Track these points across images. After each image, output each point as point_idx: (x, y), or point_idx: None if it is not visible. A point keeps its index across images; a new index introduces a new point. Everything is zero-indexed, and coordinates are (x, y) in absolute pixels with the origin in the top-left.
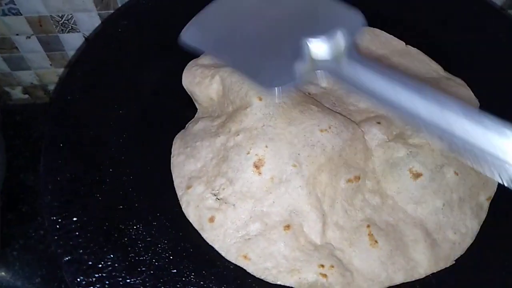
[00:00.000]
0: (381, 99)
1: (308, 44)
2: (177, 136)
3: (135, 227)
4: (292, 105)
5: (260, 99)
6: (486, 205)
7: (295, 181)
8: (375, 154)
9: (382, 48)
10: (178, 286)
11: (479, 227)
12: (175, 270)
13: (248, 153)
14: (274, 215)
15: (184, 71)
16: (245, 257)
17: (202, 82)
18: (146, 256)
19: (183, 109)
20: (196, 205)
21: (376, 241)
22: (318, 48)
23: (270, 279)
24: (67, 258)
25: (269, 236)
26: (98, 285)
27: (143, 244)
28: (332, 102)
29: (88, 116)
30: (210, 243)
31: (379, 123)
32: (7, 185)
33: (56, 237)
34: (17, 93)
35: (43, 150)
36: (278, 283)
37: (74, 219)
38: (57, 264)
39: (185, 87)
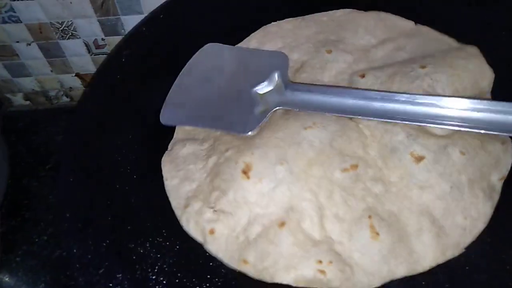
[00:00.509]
0: (321, 109)
1: (257, 91)
2: (163, 158)
3: (142, 245)
4: (278, 116)
5: None
6: (499, 186)
7: (285, 178)
8: (374, 140)
9: (386, 32)
10: None
11: (492, 211)
12: (178, 282)
13: (237, 162)
14: (271, 215)
15: None
16: (245, 261)
17: None
18: (152, 272)
19: None
20: (195, 221)
21: (377, 233)
22: (265, 90)
23: (267, 278)
24: (80, 279)
25: (266, 236)
26: None
27: (150, 261)
28: None
29: (98, 144)
30: (214, 254)
31: None
32: (9, 191)
33: (73, 261)
34: (18, 99)
35: (59, 178)
36: (275, 281)
37: (89, 242)
38: (60, 270)
39: None
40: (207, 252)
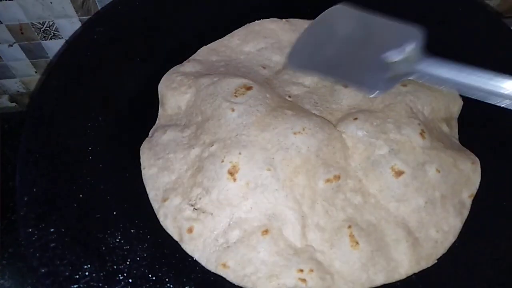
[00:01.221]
0: (450, 84)
1: (386, 57)
2: (143, 145)
3: (113, 235)
4: (265, 112)
5: (233, 110)
6: (468, 202)
7: (271, 185)
8: (356, 151)
9: None
10: None
11: (462, 225)
12: (154, 278)
13: (222, 161)
14: (252, 221)
15: (165, 75)
16: (224, 265)
17: (177, 89)
18: (124, 264)
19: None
20: (173, 217)
21: (357, 242)
22: (395, 59)
23: (249, 285)
24: (43, 270)
25: (248, 242)
26: None
27: (121, 253)
28: (314, 102)
29: (64, 125)
30: (190, 254)
31: (356, 119)
32: None
33: (32, 250)
34: (4, 101)
35: (18, 161)
36: None
37: (51, 230)
38: None
39: (159, 89)
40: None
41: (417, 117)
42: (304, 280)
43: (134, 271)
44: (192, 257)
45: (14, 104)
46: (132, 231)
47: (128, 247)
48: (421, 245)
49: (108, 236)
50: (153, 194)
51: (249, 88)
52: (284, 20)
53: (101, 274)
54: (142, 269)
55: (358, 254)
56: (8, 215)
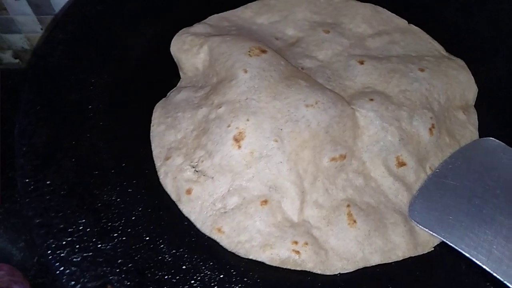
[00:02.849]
0: None
1: None
2: (158, 104)
3: (109, 193)
4: (279, 79)
5: (246, 72)
6: None
7: (276, 156)
8: (366, 132)
9: (382, 25)
10: (149, 253)
11: None
12: (147, 238)
13: (229, 126)
14: (252, 190)
15: (175, 37)
16: (219, 230)
17: (190, 50)
18: (119, 222)
19: (168, 78)
20: (174, 177)
21: (354, 221)
22: None
23: (242, 252)
24: (37, 221)
25: (245, 210)
26: (68, 249)
27: (116, 211)
28: (327, 76)
29: (69, 79)
30: (186, 215)
31: (372, 100)
32: None
33: (28, 200)
34: (7, 57)
35: (19, 112)
36: (250, 257)
37: (48, 182)
38: None
39: (172, 53)
40: (180, 210)
41: (432, 108)
42: (297, 252)
43: (128, 230)
44: (186, 221)
45: (17, 60)
46: (129, 190)
47: (123, 205)
48: (417, 233)
49: (105, 194)
50: (157, 151)
51: (263, 51)
52: None
53: (95, 229)
54: (137, 229)
55: (354, 232)
56: (6, 171)
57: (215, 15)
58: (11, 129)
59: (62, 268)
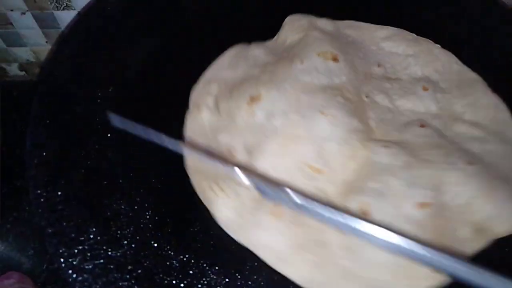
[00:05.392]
0: None
1: None
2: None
3: (118, 202)
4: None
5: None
6: None
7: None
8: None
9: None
10: (158, 259)
11: None
12: (156, 244)
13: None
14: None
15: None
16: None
17: (298, 30)
18: (127, 230)
19: (173, 90)
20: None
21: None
22: None
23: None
24: (50, 231)
25: None
26: (79, 257)
27: (125, 219)
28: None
29: (76, 92)
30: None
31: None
32: (2, 160)
33: (40, 210)
34: (13, 69)
35: (30, 125)
36: None
37: (59, 193)
38: None
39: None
40: (189, 216)
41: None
42: None
43: (137, 237)
44: (194, 228)
45: (23, 73)
46: (137, 199)
47: (132, 214)
48: None
49: (114, 203)
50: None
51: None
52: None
53: (106, 237)
54: (145, 236)
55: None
56: (13, 181)
57: (348, 21)
58: (19, 139)
59: (75, 276)
